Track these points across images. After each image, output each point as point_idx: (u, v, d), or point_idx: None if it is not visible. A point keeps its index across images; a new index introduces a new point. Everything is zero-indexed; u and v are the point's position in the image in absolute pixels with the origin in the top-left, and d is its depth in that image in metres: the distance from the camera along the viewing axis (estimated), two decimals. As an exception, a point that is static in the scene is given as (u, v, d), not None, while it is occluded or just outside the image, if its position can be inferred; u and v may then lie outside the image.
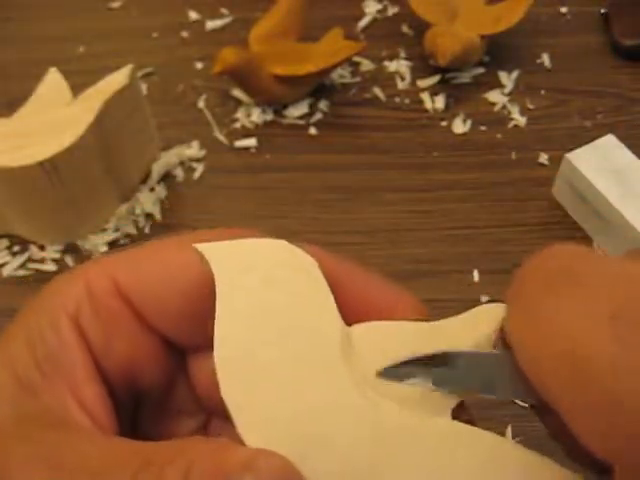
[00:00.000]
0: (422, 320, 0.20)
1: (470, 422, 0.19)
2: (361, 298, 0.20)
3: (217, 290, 0.18)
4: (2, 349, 0.19)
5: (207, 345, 0.18)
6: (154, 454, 0.16)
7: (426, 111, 0.56)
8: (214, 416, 0.22)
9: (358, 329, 0.19)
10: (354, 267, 0.20)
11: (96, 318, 0.19)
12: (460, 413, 0.19)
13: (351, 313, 0.19)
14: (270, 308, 0.18)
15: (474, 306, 0.21)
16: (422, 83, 0.58)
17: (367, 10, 0.64)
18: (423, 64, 0.59)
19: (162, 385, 0.21)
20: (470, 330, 0.20)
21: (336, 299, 0.19)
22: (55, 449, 0.17)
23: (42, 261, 0.48)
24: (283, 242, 0.19)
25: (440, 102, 0.56)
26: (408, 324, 0.19)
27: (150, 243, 0.20)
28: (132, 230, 0.49)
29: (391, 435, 0.17)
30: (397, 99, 0.57)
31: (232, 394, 0.16)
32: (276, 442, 0.16)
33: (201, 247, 0.18)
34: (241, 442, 0.16)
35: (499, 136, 0.54)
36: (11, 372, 0.18)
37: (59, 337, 0.19)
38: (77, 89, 0.47)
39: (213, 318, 0.18)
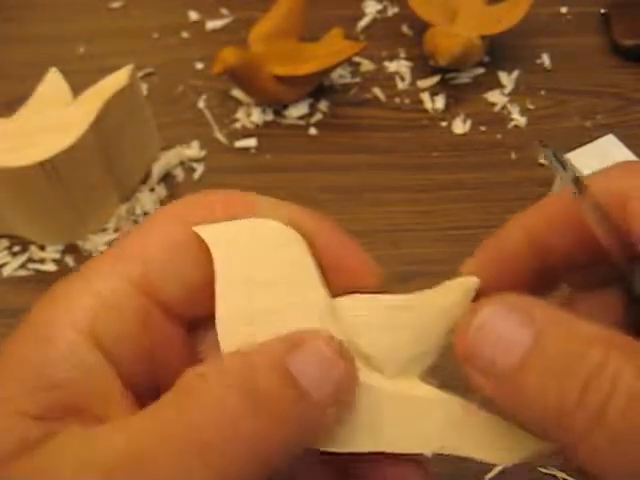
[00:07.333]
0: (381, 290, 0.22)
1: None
2: (333, 258, 0.22)
3: (215, 269, 0.20)
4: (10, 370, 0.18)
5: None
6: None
7: (426, 111, 0.56)
8: None
9: (341, 301, 0.21)
10: (332, 229, 0.22)
11: (119, 327, 0.18)
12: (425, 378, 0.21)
13: (323, 269, 0.21)
14: (262, 282, 0.20)
15: None
16: (422, 83, 0.58)
17: (367, 10, 0.64)
18: (423, 64, 0.59)
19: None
20: (442, 298, 0.22)
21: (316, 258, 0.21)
22: None
23: (42, 261, 0.48)
24: (273, 223, 0.21)
25: (440, 102, 0.56)
26: (385, 297, 0.22)
27: (146, 225, 0.21)
28: (132, 230, 0.49)
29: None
30: (397, 99, 0.57)
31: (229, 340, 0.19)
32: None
33: (200, 230, 0.20)
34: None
35: (499, 136, 0.54)
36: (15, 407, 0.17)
37: (81, 366, 0.17)
38: (77, 89, 0.47)
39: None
